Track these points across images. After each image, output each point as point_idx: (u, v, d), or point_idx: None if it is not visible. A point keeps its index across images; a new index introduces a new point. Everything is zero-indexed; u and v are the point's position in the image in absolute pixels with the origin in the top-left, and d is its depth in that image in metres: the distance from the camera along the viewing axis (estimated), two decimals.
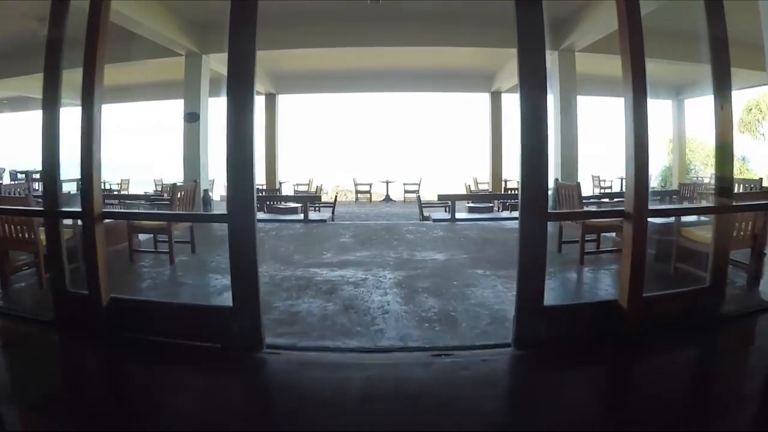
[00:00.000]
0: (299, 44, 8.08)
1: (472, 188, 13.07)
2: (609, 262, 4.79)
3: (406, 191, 14.82)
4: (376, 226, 7.06)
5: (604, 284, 4.12)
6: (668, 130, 17.98)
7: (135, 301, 3.14)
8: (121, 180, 17.07)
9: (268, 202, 8.86)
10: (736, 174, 15.12)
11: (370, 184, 15.23)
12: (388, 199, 15.05)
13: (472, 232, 6.48)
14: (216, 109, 11.93)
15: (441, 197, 7.90)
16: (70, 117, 2.99)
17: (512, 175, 15.85)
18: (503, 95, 13.23)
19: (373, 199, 15.10)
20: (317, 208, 9.45)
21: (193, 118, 8.26)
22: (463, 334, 2.96)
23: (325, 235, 6.41)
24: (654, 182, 15.28)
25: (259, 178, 14.03)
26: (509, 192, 8.97)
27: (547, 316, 2.69)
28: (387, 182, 15.35)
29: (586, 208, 5.11)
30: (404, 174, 22.38)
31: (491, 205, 8.34)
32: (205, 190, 8.32)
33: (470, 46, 8.16)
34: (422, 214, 8.07)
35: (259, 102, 13.07)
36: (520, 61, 2.57)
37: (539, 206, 2.56)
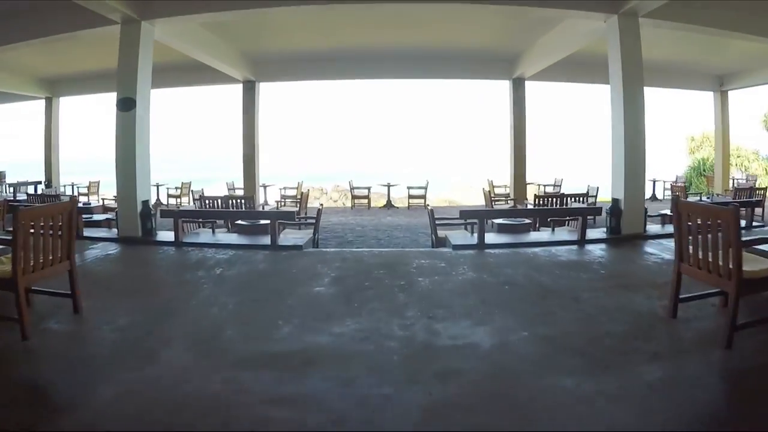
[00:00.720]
0: (271, 3, 5.94)
1: (490, 192, 10.86)
2: None
3: (410, 196, 12.66)
4: (371, 258, 4.86)
5: None
6: (704, 124, 16.02)
7: None
8: (90, 183, 14.80)
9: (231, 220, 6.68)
10: (760, 172, 13.24)
11: (369, 188, 13.04)
12: (389, 205, 12.89)
13: (516, 270, 4.31)
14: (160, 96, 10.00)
15: (464, 214, 5.69)
16: None
17: (537, 176, 13.71)
18: (527, 82, 11.03)
19: (372, 205, 12.92)
20: (301, 226, 7.31)
21: (127, 105, 6.10)
22: None
23: (294, 275, 4.24)
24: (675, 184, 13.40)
25: (237, 182, 11.90)
26: (559, 204, 6.79)
27: None
28: (388, 185, 13.18)
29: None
30: (408, 174, 20.23)
31: (529, 221, 6.13)
32: (145, 202, 6.17)
33: (495, 3, 6.03)
34: (436, 235, 5.88)
35: (236, 90, 10.94)
36: None
37: None
